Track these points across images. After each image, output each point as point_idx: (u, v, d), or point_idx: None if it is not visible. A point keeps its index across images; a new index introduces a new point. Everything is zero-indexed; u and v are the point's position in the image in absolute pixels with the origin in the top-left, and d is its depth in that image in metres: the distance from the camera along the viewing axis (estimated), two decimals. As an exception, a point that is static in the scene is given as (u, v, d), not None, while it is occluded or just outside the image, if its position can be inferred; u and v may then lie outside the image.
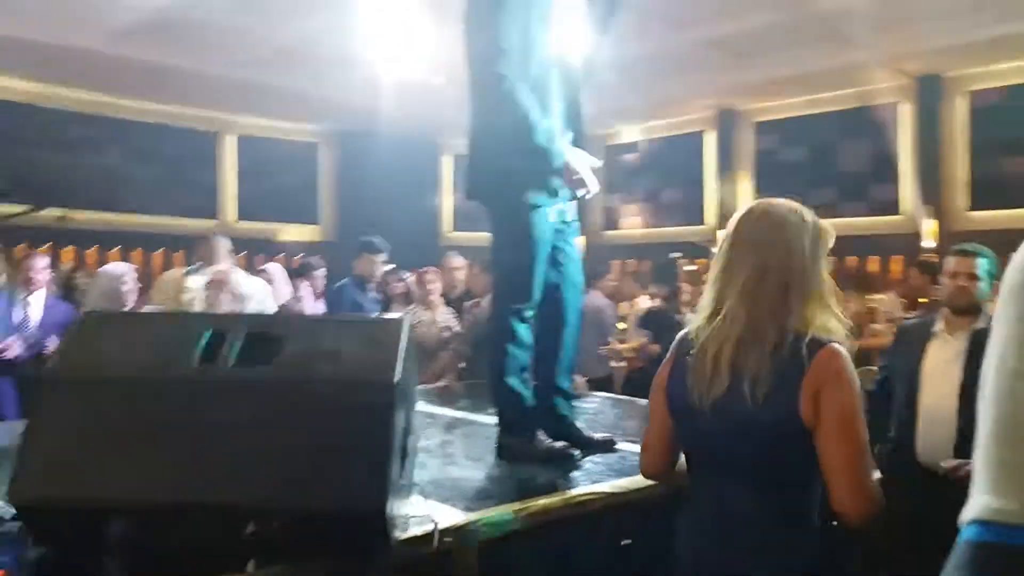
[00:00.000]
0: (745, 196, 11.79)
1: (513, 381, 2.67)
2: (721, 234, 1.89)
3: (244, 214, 12.13)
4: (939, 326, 3.08)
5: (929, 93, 9.86)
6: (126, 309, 4.07)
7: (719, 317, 1.73)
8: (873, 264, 10.32)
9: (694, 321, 1.82)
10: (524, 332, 2.69)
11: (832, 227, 1.82)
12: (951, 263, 3.10)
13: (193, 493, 1.51)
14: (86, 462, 1.54)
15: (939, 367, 2.95)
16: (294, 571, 1.57)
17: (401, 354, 1.68)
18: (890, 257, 10.13)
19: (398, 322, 1.82)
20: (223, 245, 4.76)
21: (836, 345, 1.66)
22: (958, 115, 9.81)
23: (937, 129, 9.83)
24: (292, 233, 12.27)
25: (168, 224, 11.28)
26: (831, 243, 1.78)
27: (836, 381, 1.63)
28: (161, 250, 11.01)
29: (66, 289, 7.60)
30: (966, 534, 0.46)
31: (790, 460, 1.67)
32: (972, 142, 9.73)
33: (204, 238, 4.87)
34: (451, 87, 9.70)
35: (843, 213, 10.29)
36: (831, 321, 1.71)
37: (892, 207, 10.29)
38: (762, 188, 11.69)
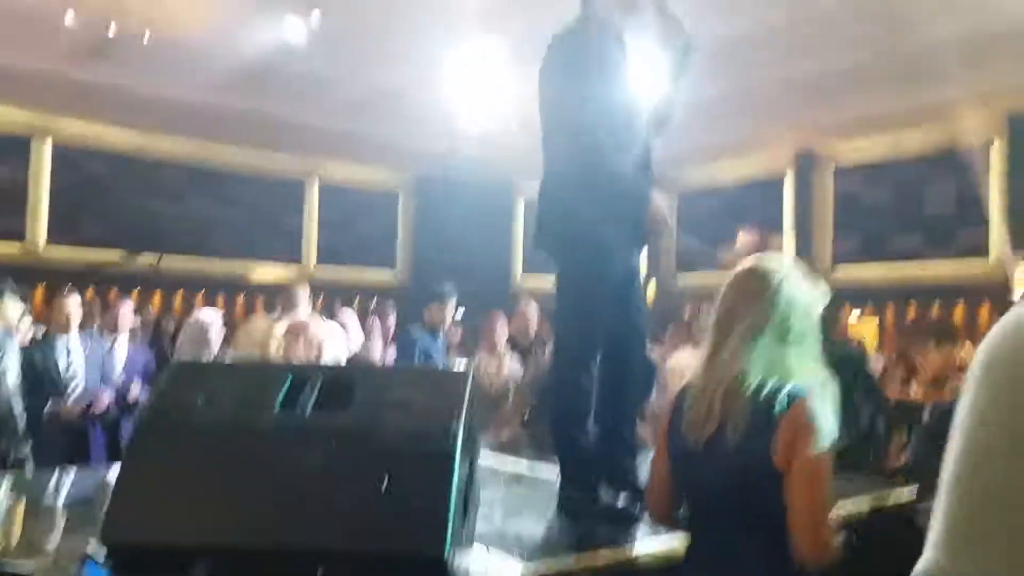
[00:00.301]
0: (824, 241, 11.51)
1: (574, 432, 2.64)
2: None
3: (325, 259, 12.49)
4: None
5: (1022, 132, 9.49)
6: (213, 354, 4.22)
7: (713, 365, 1.87)
8: (959, 313, 9.89)
9: (694, 370, 1.95)
10: (587, 382, 2.66)
11: (826, 286, 1.98)
12: None
13: (271, 537, 1.59)
14: (174, 506, 1.64)
15: None
16: None
17: (465, 405, 1.75)
18: (977, 306, 9.70)
19: (464, 374, 1.94)
20: (302, 294, 4.92)
21: (813, 399, 1.78)
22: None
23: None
24: (369, 277, 12.56)
25: (251, 269, 11.70)
26: (826, 299, 1.93)
27: (809, 433, 1.74)
28: (243, 295, 11.38)
29: (153, 334, 7.95)
30: None
31: (771, 504, 1.75)
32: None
33: (285, 287, 5.05)
34: (525, 133, 9.91)
35: (928, 258, 9.94)
36: (820, 373, 1.83)
37: (980, 251, 9.87)
38: (842, 233, 11.40)
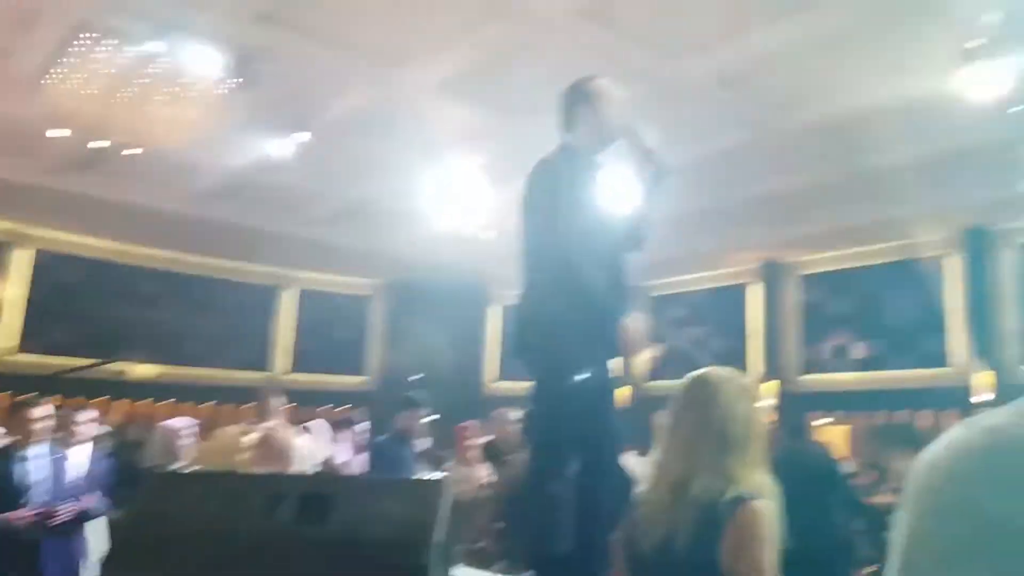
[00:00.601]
0: (790, 348, 11.72)
1: (550, 544, 2.64)
2: (770, 384, 2.04)
3: (296, 366, 12.42)
4: None
5: (977, 245, 9.90)
6: (181, 462, 4.16)
7: (660, 471, 1.95)
8: (925, 419, 10.02)
9: (647, 477, 2.03)
10: (563, 492, 2.68)
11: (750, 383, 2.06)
12: None
13: None
14: None
15: None
16: None
17: (442, 516, 1.77)
18: (942, 412, 9.86)
19: (440, 483, 1.96)
20: (276, 402, 4.90)
21: (757, 503, 1.83)
22: (1007, 266, 9.79)
23: (986, 281, 9.79)
24: (340, 384, 12.49)
25: (221, 376, 11.59)
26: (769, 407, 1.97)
27: (753, 537, 1.80)
28: (213, 402, 11.22)
29: (119, 442, 7.77)
30: None
31: None
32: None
33: (260, 393, 5.04)
34: (501, 240, 10.14)
35: (891, 366, 10.15)
36: (762, 479, 1.88)
37: (941, 359, 10.11)
38: (809, 339, 11.63)
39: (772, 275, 11.89)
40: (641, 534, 1.95)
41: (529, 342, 2.83)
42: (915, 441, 7.96)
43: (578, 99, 2.94)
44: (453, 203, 8.95)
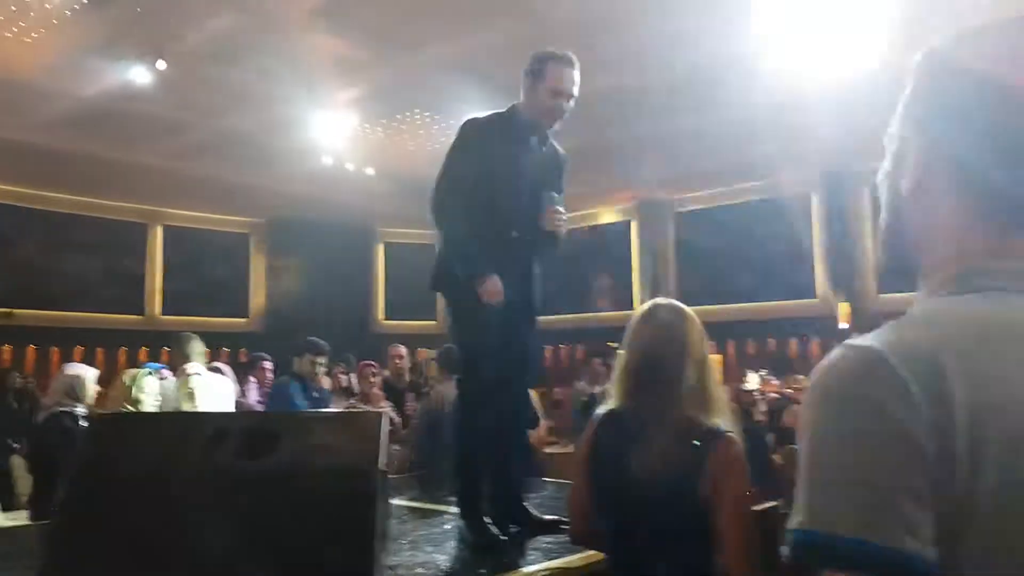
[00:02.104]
0: (668, 282, 12.20)
1: (471, 469, 2.73)
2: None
3: (171, 308, 11.92)
4: None
5: (836, 186, 10.50)
6: (86, 409, 3.94)
7: (639, 401, 2.00)
8: (792, 346, 10.73)
9: (608, 404, 2.08)
10: (483, 420, 2.78)
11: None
12: None
13: None
14: (107, 555, 1.66)
15: None
16: None
17: (383, 445, 1.83)
18: (809, 339, 10.57)
19: (378, 415, 2.01)
20: (196, 345, 4.73)
21: (732, 435, 1.92)
22: (864, 204, 10.45)
23: (845, 218, 10.43)
24: (220, 325, 12.08)
25: (90, 319, 11.02)
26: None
27: (732, 470, 1.89)
28: (81, 348, 10.65)
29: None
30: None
31: (694, 535, 1.87)
32: (876, 230, 10.34)
33: (176, 337, 4.85)
34: (383, 178, 9.99)
35: (760, 298, 10.73)
36: (722, 408, 1.98)
37: (808, 291, 10.78)
38: (684, 274, 12.14)
39: (648, 212, 12.26)
40: (614, 468, 1.97)
41: (444, 275, 2.89)
42: (786, 366, 8.60)
43: (528, 70, 2.95)
44: (330, 138, 8.69)
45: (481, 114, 3.02)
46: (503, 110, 3.01)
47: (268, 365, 6.33)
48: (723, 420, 1.95)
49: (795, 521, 0.67)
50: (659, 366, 1.98)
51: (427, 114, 8.47)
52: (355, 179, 9.55)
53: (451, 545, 2.75)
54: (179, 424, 2.06)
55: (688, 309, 2.09)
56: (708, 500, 1.86)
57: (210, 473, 1.74)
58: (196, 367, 4.40)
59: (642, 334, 2.05)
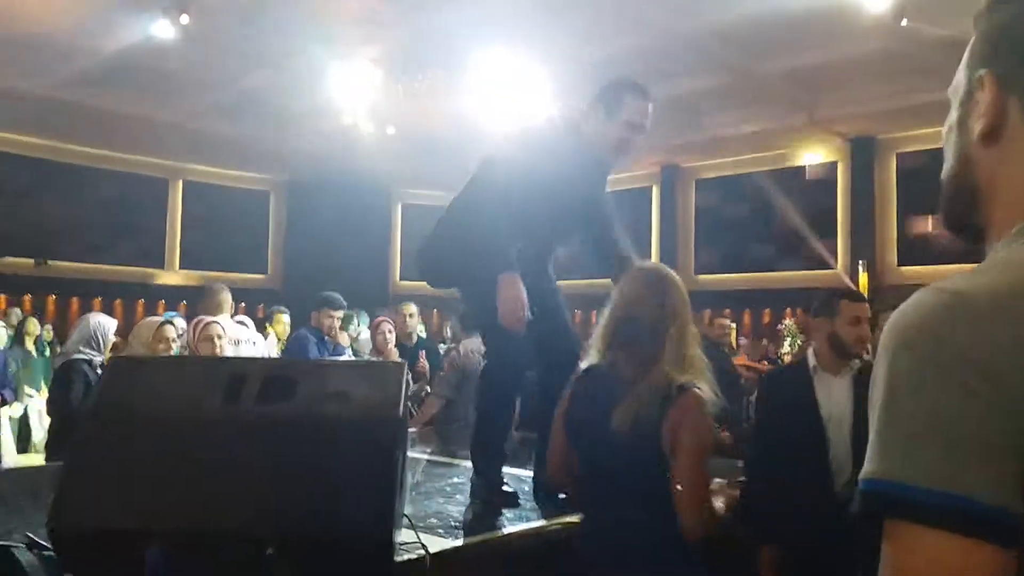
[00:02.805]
0: (687, 249, 12.14)
1: (492, 427, 2.77)
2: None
3: (189, 263, 12.03)
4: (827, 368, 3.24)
5: (863, 154, 10.34)
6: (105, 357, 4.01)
7: (608, 361, 2.06)
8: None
9: (588, 360, 2.14)
10: (516, 392, 2.79)
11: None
12: (885, 319, 3.25)
13: (221, 521, 1.64)
14: (124, 493, 1.66)
15: (838, 403, 3.11)
16: None
17: (403, 395, 1.83)
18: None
19: (399, 364, 1.99)
20: (226, 296, 4.79)
21: (697, 391, 1.94)
22: (889, 175, 10.30)
23: (871, 188, 10.29)
24: (239, 281, 12.18)
25: (108, 272, 11.14)
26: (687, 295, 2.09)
27: (692, 422, 1.91)
28: (100, 299, 10.80)
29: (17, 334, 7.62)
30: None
31: (658, 483, 1.92)
32: (900, 201, 10.22)
33: (209, 288, 4.91)
34: (403, 138, 9.95)
35: (780, 268, 10.66)
36: (700, 370, 2.00)
37: (827, 262, 10.69)
38: (702, 242, 12.06)
39: (670, 179, 12.14)
40: (590, 422, 2.04)
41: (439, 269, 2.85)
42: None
43: (603, 97, 2.78)
44: (350, 98, 8.65)
45: (541, 126, 2.91)
46: (562, 127, 2.85)
47: (286, 318, 6.34)
48: (698, 380, 1.97)
49: (868, 471, 0.63)
50: (636, 325, 2.02)
51: (448, 74, 8.39)
52: (375, 139, 9.52)
53: (463, 498, 2.80)
54: (198, 368, 2.04)
55: (672, 273, 2.12)
56: (666, 453, 1.91)
57: (226, 419, 1.74)
58: (223, 319, 4.45)
59: (624, 293, 2.09)
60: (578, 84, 7.75)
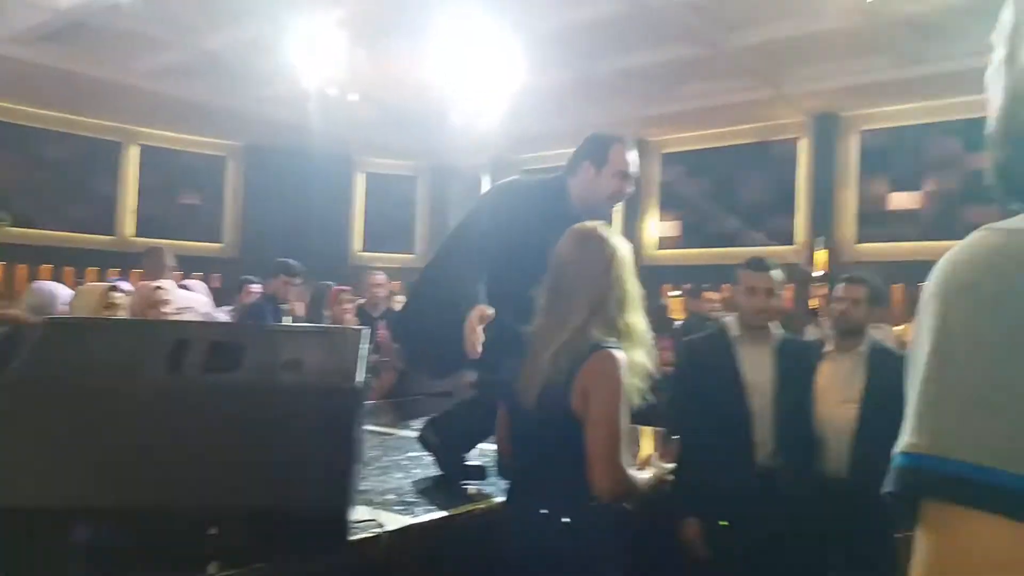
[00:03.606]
0: (650, 221, 12.16)
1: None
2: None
3: (143, 230, 11.71)
4: (828, 347, 3.25)
5: (826, 131, 10.42)
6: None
7: (550, 325, 2.02)
8: (773, 297, 10.77)
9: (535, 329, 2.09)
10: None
11: (629, 248, 2.08)
12: (840, 290, 3.28)
13: (157, 496, 1.54)
14: (44, 471, 1.54)
15: (834, 383, 3.10)
16: (254, 572, 1.61)
17: (360, 361, 1.75)
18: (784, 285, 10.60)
19: (356, 332, 1.89)
20: (169, 259, 4.63)
21: (612, 350, 1.91)
22: (851, 152, 10.40)
23: (832, 165, 10.38)
24: (194, 249, 11.89)
25: (60, 238, 10.81)
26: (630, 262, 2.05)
27: (602, 380, 1.89)
28: (49, 266, 10.46)
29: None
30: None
31: (571, 445, 1.92)
32: (861, 178, 10.33)
33: (148, 251, 4.72)
34: (366, 105, 9.75)
35: (743, 242, 10.72)
36: (634, 334, 1.98)
37: (788, 237, 10.79)
38: (666, 216, 12.09)
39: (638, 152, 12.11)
40: (519, 387, 2.03)
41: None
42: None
43: (588, 153, 2.76)
44: (312, 62, 8.42)
45: (527, 179, 2.86)
46: (553, 182, 2.79)
47: (256, 288, 6.17)
48: (627, 345, 1.94)
49: (908, 443, 0.54)
50: (564, 288, 1.99)
51: (414, 39, 8.22)
52: (337, 105, 9.31)
53: (420, 472, 2.76)
54: (137, 332, 1.91)
55: (604, 234, 2.05)
56: (577, 412, 1.90)
57: (170, 386, 1.63)
58: (169, 284, 4.30)
59: (560, 257, 2.04)
60: (547, 53, 7.67)
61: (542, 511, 1.97)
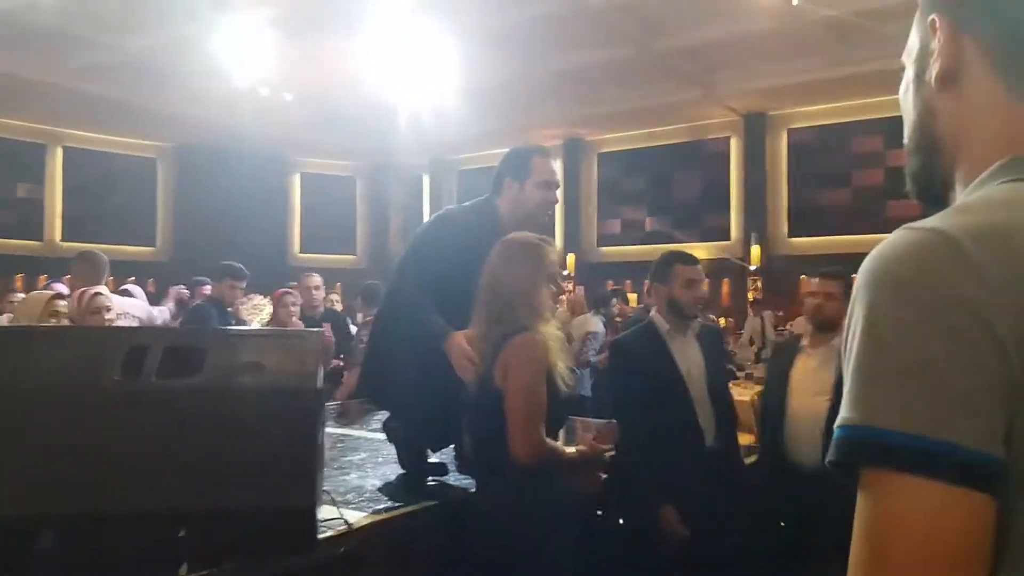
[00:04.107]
0: (590, 220, 12.32)
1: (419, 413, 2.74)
2: (569, 257, 2.17)
3: (72, 234, 11.34)
4: (804, 341, 3.34)
5: (756, 129, 10.71)
6: None
7: (482, 320, 2.27)
8: (704, 286, 11.02)
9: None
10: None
11: (556, 256, 2.37)
12: (815, 284, 3.36)
13: (122, 501, 1.54)
14: (9, 477, 1.52)
15: (808, 377, 3.19)
16: (224, 572, 1.62)
17: (319, 364, 1.78)
18: (721, 279, 10.88)
19: (317, 334, 1.94)
20: (103, 264, 4.48)
21: (529, 335, 2.15)
22: (781, 151, 10.71)
23: (763, 163, 10.68)
24: (125, 253, 11.56)
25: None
26: (552, 267, 2.32)
27: (518, 359, 2.13)
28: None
29: None
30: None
31: (494, 418, 2.13)
32: (791, 176, 10.66)
33: (82, 256, 4.56)
34: (301, 105, 9.64)
35: (678, 239, 10.96)
36: (545, 324, 2.22)
37: (723, 234, 11.05)
38: (603, 214, 12.26)
39: (572, 151, 12.26)
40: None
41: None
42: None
43: (509, 170, 2.76)
44: (244, 60, 8.28)
45: (456, 209, 2.85)
46: (482, 205, 2.80)
47: (208, 290, 5.97)
48: (541, 330, 2.18)
49: (844, 417, 0.60)
50: (488, 290, 2.25)
51: (348, 38, 8.16)
52: (270, 105, 9.17)
53: (381, 472, 2.78)
54: (92, 339, 1.87)
55: (520, 241, 2.31)
56: (499, 389, 2.12)
57: (129, 392, 1.62)
58: (101, 288, 4.20)
59: (486, 267, 2.30)
60: (481, 53, 7.69)
61: (480, 481, 2.25)
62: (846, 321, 0.64)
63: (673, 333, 3.08)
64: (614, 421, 2.74)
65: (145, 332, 2.18)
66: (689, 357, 3.06)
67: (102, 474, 1.55)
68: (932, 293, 0.58)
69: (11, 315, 4.36)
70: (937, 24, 0.71)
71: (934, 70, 0.72)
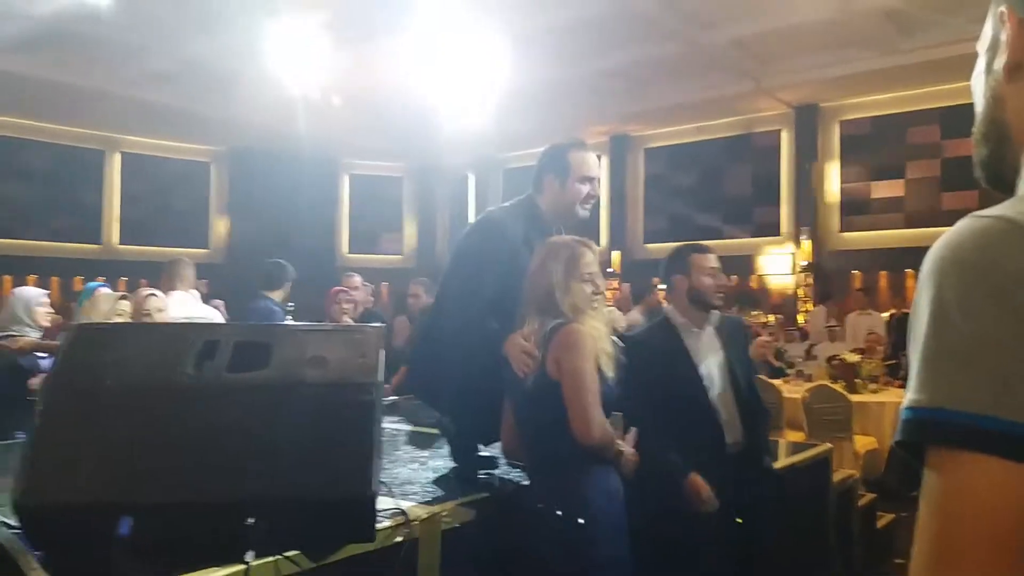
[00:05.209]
0: (636, 217, 12.24)
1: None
2: (614, 255, 2.20)
3: (128, 237, 11.68)
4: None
5: (807, 122, 10.53)
6: (38, 333, 3.87)
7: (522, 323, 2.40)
8: (754, 282, 10.90)
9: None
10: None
11: (594, 256, 2.46)
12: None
13: (195, 491, 1.60)
14: (92, 467, 1.59)
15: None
16: (289, 560, 1.68)
17: (380, 359, 1.84)
18: (770, 275, 10.74)
19: (377, 330, 1.99)
20: (188, 270, 4.66)
21: (575, 324, 2.27)
22: (833, 143, 10.51)
23: (815, 155, 10.49)
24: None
25: (46, 248, 10.76)
26: (589, 267, 2.40)
27: (568, 348, 2.24)
28: (34, 276, 10.41)
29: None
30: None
31: (554, 406, 2.23)
32: (843, 168, 10.45)
33: (172, 262, 4.77)
34: (350, 108, 9.76)
35: (727, 235, 10.83)
36: (589, 318, 2.33)
37: (773, 229, 10.89)
38: (650, 210, 12.16)
39: (619, 148, 12.19)
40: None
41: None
42: (750, 301, 8.70)
43: (549, 167, 2.80)
44: (295, 66, 8.42)
45: (498, 211, 2.88)
46: (525, 203, 2.84)
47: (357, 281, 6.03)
48: (582, 321, 2.27)
49: (912, 399, 0.62)
50: (530, 289, 2.38)
51: (397, 41, 8.24)
52: (321, 108, 9.32)
53: (435, 464, 2.84)
54: (168, 335, 1.97)
55: (557, 243, 2.42)
56: (555, 377, 2.21)
57: (203, 385, 1.69)
58: (175, 293, 4.35)
59: (528, 269, 2.43)
60: (530, 54, 7.71)
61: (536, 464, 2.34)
62: (911, 309, 0.66)
63: (689, 326, 3.03)
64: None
65: (217, 328, 2.30)
66: (707, 351, 3.01)
67: (175, 464, 1.61)
68: (1000, 275, 0.59)
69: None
70: (1006, 16, 0.73)
71: (1002, 60, 0.73)
